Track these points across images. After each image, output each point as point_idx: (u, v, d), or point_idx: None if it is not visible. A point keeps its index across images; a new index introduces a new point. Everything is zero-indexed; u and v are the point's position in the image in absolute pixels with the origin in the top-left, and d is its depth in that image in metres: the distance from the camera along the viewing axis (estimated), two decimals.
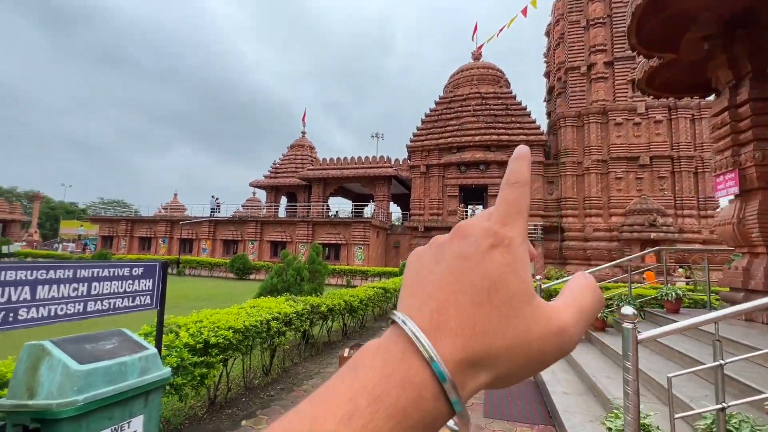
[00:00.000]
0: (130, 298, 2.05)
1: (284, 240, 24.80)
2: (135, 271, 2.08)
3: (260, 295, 6.01)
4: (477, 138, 24.20)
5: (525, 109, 25.01)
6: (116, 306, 2.01)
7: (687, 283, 16.04)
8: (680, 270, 15.95)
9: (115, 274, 2.00)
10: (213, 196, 29.29)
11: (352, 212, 27.30)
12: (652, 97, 7.96)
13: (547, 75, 29.16)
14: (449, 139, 24.94)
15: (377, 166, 27.11)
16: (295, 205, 28.56)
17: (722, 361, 2.12)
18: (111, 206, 47.18)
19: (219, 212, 28.70)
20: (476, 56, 28.36)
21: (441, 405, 0.22)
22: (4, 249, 25.32)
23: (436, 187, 25.19)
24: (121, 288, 2.01)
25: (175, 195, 41.29)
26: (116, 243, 29.06)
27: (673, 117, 21.72)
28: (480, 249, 0.26)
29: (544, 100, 29.80)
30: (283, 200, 33.38)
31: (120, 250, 28.43)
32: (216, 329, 3.45)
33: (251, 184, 32.31)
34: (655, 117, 21.82)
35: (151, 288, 2.13)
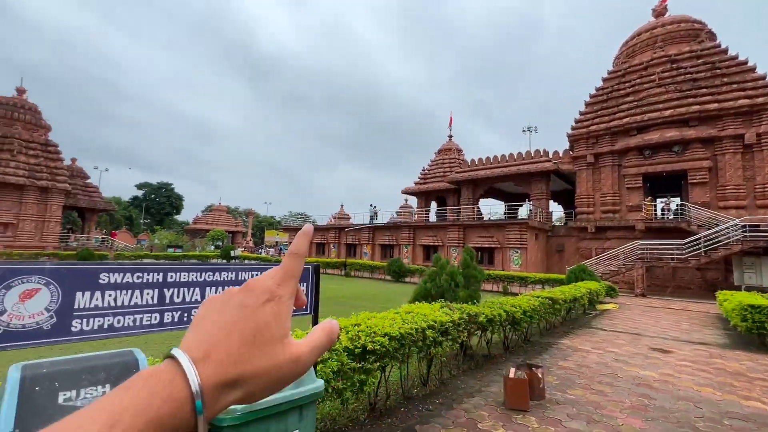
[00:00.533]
0: None
1: (435, 244, 25.04)
2: None
3: (414, 299, 5.90)
4: (667, 113, 19.18)
5: (745, 63, 18.51)
6: None
7: None
8: None
9: None
10: (371, 205, 32.13)
11: (505, 213, 25.51)
12: None
13: None
14: (625, 120, 20.57)
15: (533, 161, 24.60)
16: (445, 209, 28.59)
17: None
18: (296, 218, 57.33)
19: (376, 219, 31.23)
20: (659, 11, 22.74)
21: (192, 420, 0.30)
22: (232, 253, 33.73)
23: (610, 178, 21.09)
24: None
25: (341, 206, 47.32)
26: None
27: None
28: (258, 302, 0.37)
29: None
30: (434, 205, 33.99)
31: None
32: (373, 335, 3.38)
33: (403, 192, 34.09)
34: None
35: (305, 292, 2.13)
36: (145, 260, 28.73)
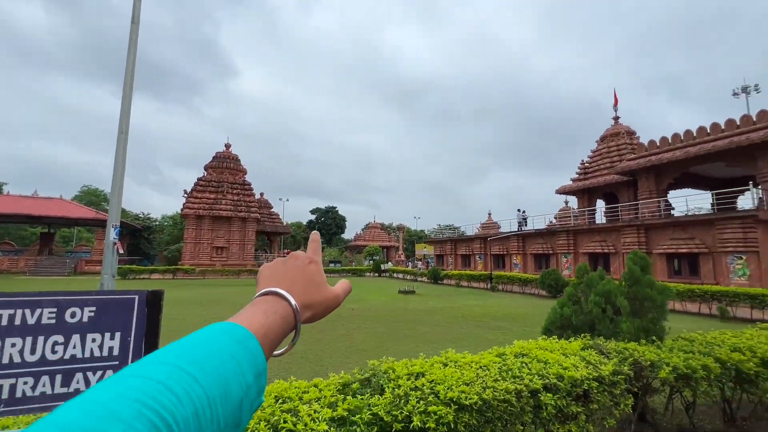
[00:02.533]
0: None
1: (606, 251, 20.16)
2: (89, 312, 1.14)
3: (547, 331, 4.06)
4: None
5: None
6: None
7: None
8: None
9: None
10: (519, 210, 28.78)
11: (713, 206, 18.55)
12: None
13: None
14: None
15: (752, 129, 17.20)
16: (616, 207, 22.98)
17: None
18: (444, 230, 57.38)
19: (526, 225, 27.70)
20: None
21: (293, 320, 0.51)
22: (382, 267, 35.48)
23: None
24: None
25: (489, 214, 44.40)
26: (445, 261, 34.15)
27: None
28: (305, 263, 0.59)
29: None
30: (600, 204, 28.00)
31: (448, 266, 33.11)
32: (429, 395, 2.05)
33: (558, 192, 29.33)
34: None
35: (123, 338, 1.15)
36: None
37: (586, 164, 28.07)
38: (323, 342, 7.82)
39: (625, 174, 22.75)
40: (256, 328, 0.45)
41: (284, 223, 44.38)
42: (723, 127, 18.54)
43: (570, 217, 26.84)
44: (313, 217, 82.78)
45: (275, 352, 0.51)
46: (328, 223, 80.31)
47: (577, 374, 2.47)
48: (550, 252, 23.55)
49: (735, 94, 29.59)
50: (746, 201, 18.82)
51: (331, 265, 38.76)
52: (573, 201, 30.25)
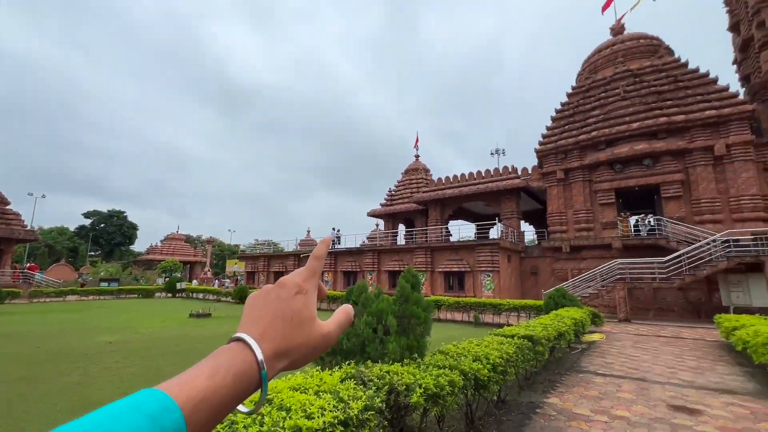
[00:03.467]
0: None
1: (402, 269, 22.86)
2: None
3: (319, 359, 3.69)
4: (634, 125, 18.46)
5: (706, 75, 18.19)
6: None
7: None
8: None
9: None
10: (334, 229, 29.83)
11: (476, 234, 23.85)
12: None
13: (734, 27, 21.29)
14: (593, 134, 19.73)
15: (501, 179, 23.32)
16: (413, 231, 26.71)
17: None
18: (261, 246, 54.28)
19: (339, 244, 28.85)
20: (617, 30, 22.70)
21: (257, 376, 0.43)
22: (178, 285, 30.07)
23: (581, 195, 19.96)
24: None
25: (308, 231, 44.60)
26: (257, 278, 31.89)
27: None
28: (290, 294, 0.50)
29: (736, 62, 21.65)
30: (402, 228, 32.08)
31: (260, 285, 31.00)
32: None
33: (369, 214, 32.08)
34: None
35: None
36: (69, 296, 24.78)
37: (393, 192, 31.85)
38: (31, 398, 5.31)
39: (419, 203, 26.86)
40: (189, 395, 0.37)
41: (31, 227, 32.46)
42: (483, 175, 24.33)
43: (377, 238, 29.59)
44: (87, 221, 64.19)
45: (243, 410, 0.44)
46: (111, 231, 63.87)
47: (318, 422, 2.00)
48: (358, 269, 25.08)
49: (492, 153, 40.23)
50: (494, 232, 25.08)
51: (104, 284, 30.27)
52: (382, 224, 33.69)
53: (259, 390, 0.43)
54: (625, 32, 22.41)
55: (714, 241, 14.65)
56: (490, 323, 13.92)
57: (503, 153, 39.77)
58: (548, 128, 22.32)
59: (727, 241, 14.45)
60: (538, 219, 27.69)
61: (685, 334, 11.65)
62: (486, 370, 3.84)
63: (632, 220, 19.79)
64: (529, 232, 27.67)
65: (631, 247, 17.55)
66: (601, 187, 19.22)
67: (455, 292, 19.98)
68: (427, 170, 31.88)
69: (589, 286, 16.80)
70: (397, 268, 23.01)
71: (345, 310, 0.55)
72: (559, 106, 22.63)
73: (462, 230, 33.09)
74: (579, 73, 23.76)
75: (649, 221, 18.79)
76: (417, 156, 32.59)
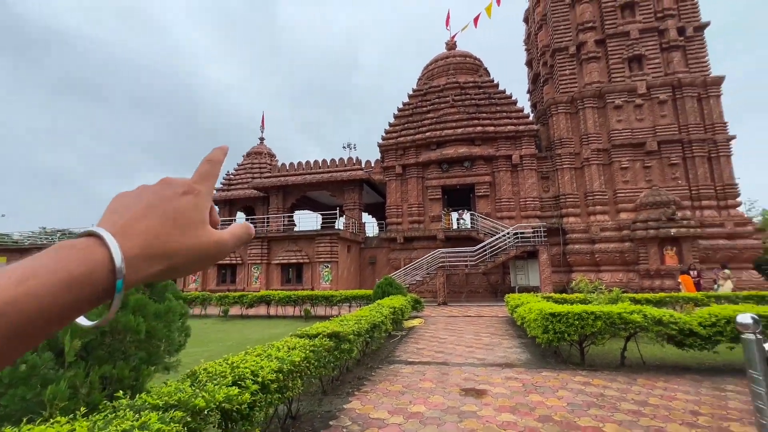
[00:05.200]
0: None
1: (234, 263, 20.33)
2: None
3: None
4: (459, 131, 20.86)
5: (510, 97, 21.99)
6: None
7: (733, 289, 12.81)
8: (726, 271, 12.69)
9: None
10: None
11: (321, 225, 23.17)
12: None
13: (529, 63, 26.53)
14: (427, 134, 21.49)
15: (345, 169, 23.26)
16: (253, 219, 24.23)
17: None
18: (50, 235, 41.54)
19: None
20: (451, 45, 25.44)
21: (108, 282, 0.31)
22: None
23: (416, 190, 21.55)
24: None
25: None
26: None
27: (678, 96, 19.11)
28: (176, 192, 0.39)
29: (528, 92, 27.07)
30: (241, 216, 28.90)
31: None
32: None
33: None
34: (658, 97, 19.14)
35: None
36: None
37: (231, 176, 28.36)
38: None
39: (259, 190, 24.54)
40: None
41: None
42: (329, 165, 23.84)
43: None
44: None
45: (84, 323, 0.34)
46: None
47: None
48: None
49: (344, 147, 40.47)
50: (341, 223, 24.96)
51: None
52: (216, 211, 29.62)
53: (111, 300, 0.31)
54: (457, 48, 25.32)
55: (508, 233, 17.70)
56: (323, 316, 13.33)
57: (354, 147, 40.44)
58: (391, 125, 23.36)
59: (516, 233, 17.65)
60: (379, 211, 29.03)
61: (485, 313, 13.50)
62: (248, 395, 2.79)
63: (454, 214, 22.53)
64: (372, 223, 28.78)
65: (452, 238, 19.82)
66: (431, 183, 21.15)
67: (293, 286, 18.83)
68: (272, 155, 29.58)
69: (417, 274, 18.16)
70: (229, 262, 20.33)
71: (245, 225, 0.45)
72: (401, 105, 23.96)
73: (307, 220, 32.15)
74: (419, 77, 25.72)
75: (466, 216, 21.69)
76: (262, 139, 29.89)
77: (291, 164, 24.50)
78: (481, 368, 6.10)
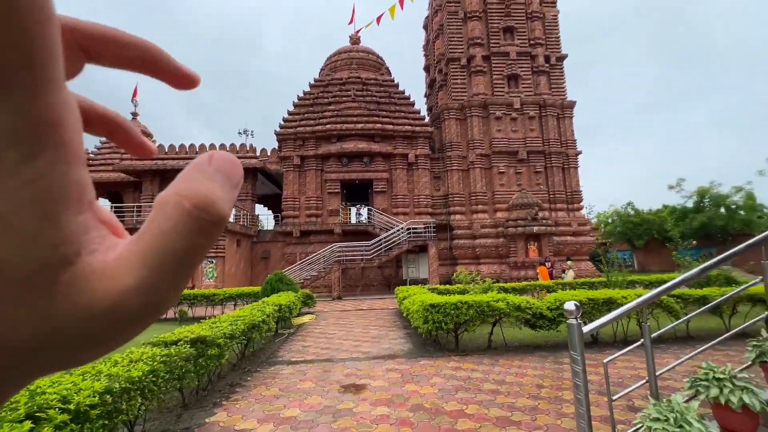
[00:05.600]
0: None
1: None
2: None
3: None
4: (359, 126, 20.97)
5: (409, 98, 22.98)
6: None
7: (574, 277, 15.60)
8: (569, 262, 15.37)
9: None
10: None
11: None
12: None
13: (427, 68, 28.12)
14: (328, 126, 21.09)
15: (237, 156, 21.38)
16: (121, 208, 20.59)
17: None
18: None
19: None
20: (355, 40, 25.41)
21: None
22: None
23: (314, 182, 21.00)
24: None
25: None
26: None
27: (543, 114, 22.41)
28: None
29: (425, 95, 28.71)
30: (105, 204, 24.33)
31: None
32: None
33: None
34: (528, 113, 22.16)
35: None
36: None
37: (92, 156, 23.69)
38: None
39: (129, 173, 21.00)
40: None
41: None
42: (218, 150, 21.60)
43: None
44: None
45: None
46: None
47: None
48: None
49: (239, 133, 37.30)
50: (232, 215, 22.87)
51: None
52: None
53: None
54: (361, 44, 25.40)
55: (402, 229, 18.49)
56: (202, 316, 11.99)
57: (251, 134, 37.58)
58: (290, 113, 22.29)
59: (409, 229, 18.56)
60: (275, 203, 27.59)
61: (378, 306, 13.83)
62: (49, 430, 2.16)
63: (353, 209, 22.66)
64: (267, 216, 27.17)
65: (349, 233, 19.88)
66: (330, 177, 20.86)
67: None
68: (148, 134, 25.61)
69: (313, 269, 17.74)
70: None
71: (189, 208, 0.16)
72: (302, 94, 23.04)
73: None
74: (322, 68, 25.11)
75: (364, 211, 22.00)
76: (135, 114, 25.61)
77: (172, 146, 21.51)
78: (365, 362, 6.11)
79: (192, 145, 21.74)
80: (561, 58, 23.47)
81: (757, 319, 2.62)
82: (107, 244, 0.15)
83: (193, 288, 15.72)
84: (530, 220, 19.80)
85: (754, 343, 2.15)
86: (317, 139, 21.39)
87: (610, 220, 34.64)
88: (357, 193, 22.92)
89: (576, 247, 20.85)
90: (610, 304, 6.71)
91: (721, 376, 1.97)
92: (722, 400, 1.93)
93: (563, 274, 14.94)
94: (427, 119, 23.75)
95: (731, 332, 2.62)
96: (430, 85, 27.08)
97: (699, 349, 2.47)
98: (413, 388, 4.77)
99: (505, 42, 22.97)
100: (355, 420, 3.84)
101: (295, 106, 22.59)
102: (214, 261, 16.60)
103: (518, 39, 23.09)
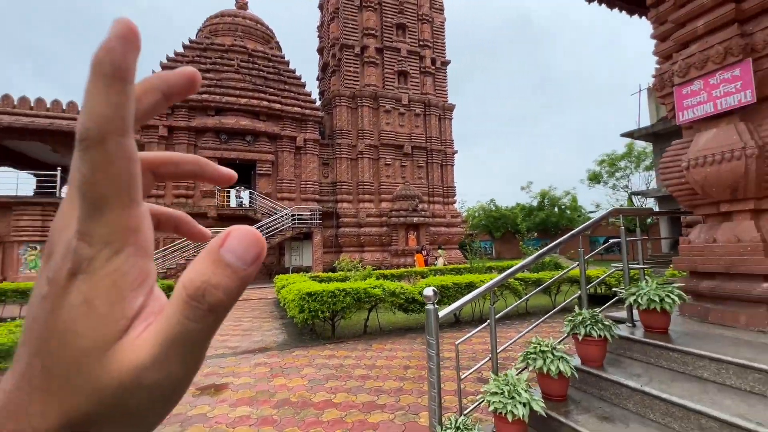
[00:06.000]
0: None
1: None
2: None
3: None
4: (243, 101, 19.15)
5: (300, 78, 21.93)
6: None
7: (444, 264, 17.33)
8: (439, 251, 16.97)
9: None
10: None
11: (35, 191, 16.37)
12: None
13: (320, 51, 27.26)
14: (204, 96, 18.68)
15: (72, 117, 17.27)
16: None
17: None
18: None
19: None
20: (241, 5, 22.98)
21: None
22: None
23: None
24: None
25: None
26: None
27: (427, 113, 24.02)
28: (60, 281, 0.18)
29: (318, 78, 27.86)
30: None
31: None
32: None
33: None
34: (415, 110, 23.47)
35: None
36: None
37: None
38: None
39: None
40: None
41: None
42: (49, 107, 17.11)
43: None
44: None
45: None
46: None
47: None
48: None
49: None
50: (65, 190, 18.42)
51: None
52: None
53: None
54: (249, 11, 23.07)
55: (286, 214, 17.69)
56: (14, 316, 9.37)
57: None
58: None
59: (294, 215, 17.87)
60: None
61: (255, 296, 12.95)
62: None
63: (232, 191, 20.71)
64: None
65: (226, 217, 18.10)
66: (206, 154, 18.55)
67: None
68: None
69: (181, 257, 15.65)
70: None
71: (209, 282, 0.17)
72: (173, 55, 19.83)
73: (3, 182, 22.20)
74: (200, 29, 22.02)
75: (245, 194, 20.33)
76: None
77: None
78: (230, 358, 5.56)
79: (7, 96, 16.64)
80: (445, 63, 25.44)
81: (573, 297, 3.17)
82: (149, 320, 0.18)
83: (3, 280, 12.21)
84: (411, 211, 21.14)
85: (570, 318, 2.54)
86: (190, 109, 18.76)
87: (476, 214, 39.57)
88: (237, 174, 20.94)
89: (448, 237, 23.15)
90: (471, 287, 7.53)
91: (545, 348, 2.26)
92: (545, 370, 2.21)
93: (435, 261, 16.39)
94: (318, 103, 23.08)
95: (556, 309, 3.10)
96: (323, 68, 26.38)
97: (533, 325, 2.85)
98: (282, 382, 4.50)
99: (397, 38, 23.74)
100: (208, 426, 3.40)
101: (163, 67, 19.29)
102: (38, 247, 13.14)
103: (409, 38, 24.13)
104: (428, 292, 2.12)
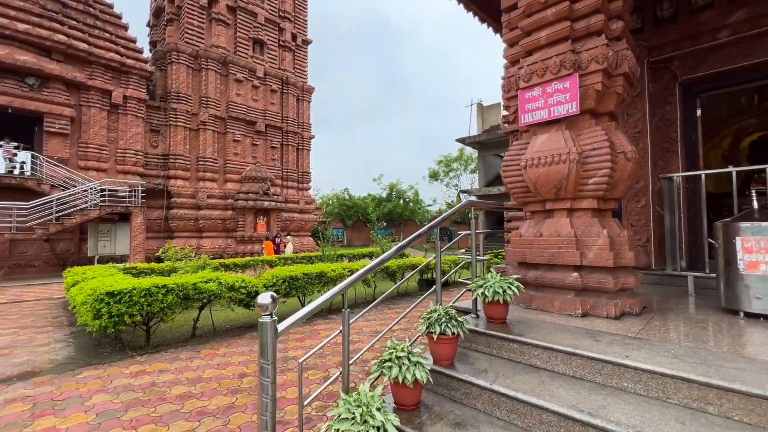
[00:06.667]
0: None
1: None
2: None
3: None
4: (21, 26, 13.84)
5: (120, 17, 17.30)
6: None
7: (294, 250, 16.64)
8: (288, 237, 16.22)
9: None
10: None
11: None
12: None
13: None
14: None
15: None
16: None
17: None
18: None
19: None
20: None
21: None
22: None
23: None
24: None
25: None
26: None
27: (285, 91, 22.48)
28: None
29: (149, 25, 22.66)
30: None
31: None
32: None
33: None
34: (271, 86, 21.63)
35: None
36: None
37: None
38: None
39: None
40: None
41: None
42: None
43: None
44: None
45: None
46: None
47: None
48: None
49: None
50: None
51: None
52: None
53: None
54: None
55: (92, 189, 13.76)
56: None
57: None
58: None
59: (104, 190, 14.06)
60: None
61: (31, 295, 9.57)
62: None
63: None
64: None
65: None
66: None
67: None
68: None
69: None
70: None
71: None
72: None
73: None
74: None
75: (23, 157, 14.86)
76: None
77: None
78: None
79: None
80: (306, 42, 24.26)
81: (408, 277, 3.10)
82: None
83: None
84: (262, 195, 19.52)
85: (425, 315, 2.37)
86: None
87: (330, 202, 39.91)
88: (11, 127, 15.22)
89: (301, 223, 22.42)
90: (322, 277, 7.16)
91: (401, 354, 2.00)
92: (400, 379, 1.94)
93: (284, 249, 15.54)
94: (147, 55, 18.70)
95: (414, 305, 2.94)
96: (156, 13, 21.55)
97: (389, 326, 2.62)
98: (49, 424, 3.14)
99: (255, 1, 21.28)
100: None
101: None
102: None
103: (268, 4, 21.97)
104: (263, 299, 1.55)
